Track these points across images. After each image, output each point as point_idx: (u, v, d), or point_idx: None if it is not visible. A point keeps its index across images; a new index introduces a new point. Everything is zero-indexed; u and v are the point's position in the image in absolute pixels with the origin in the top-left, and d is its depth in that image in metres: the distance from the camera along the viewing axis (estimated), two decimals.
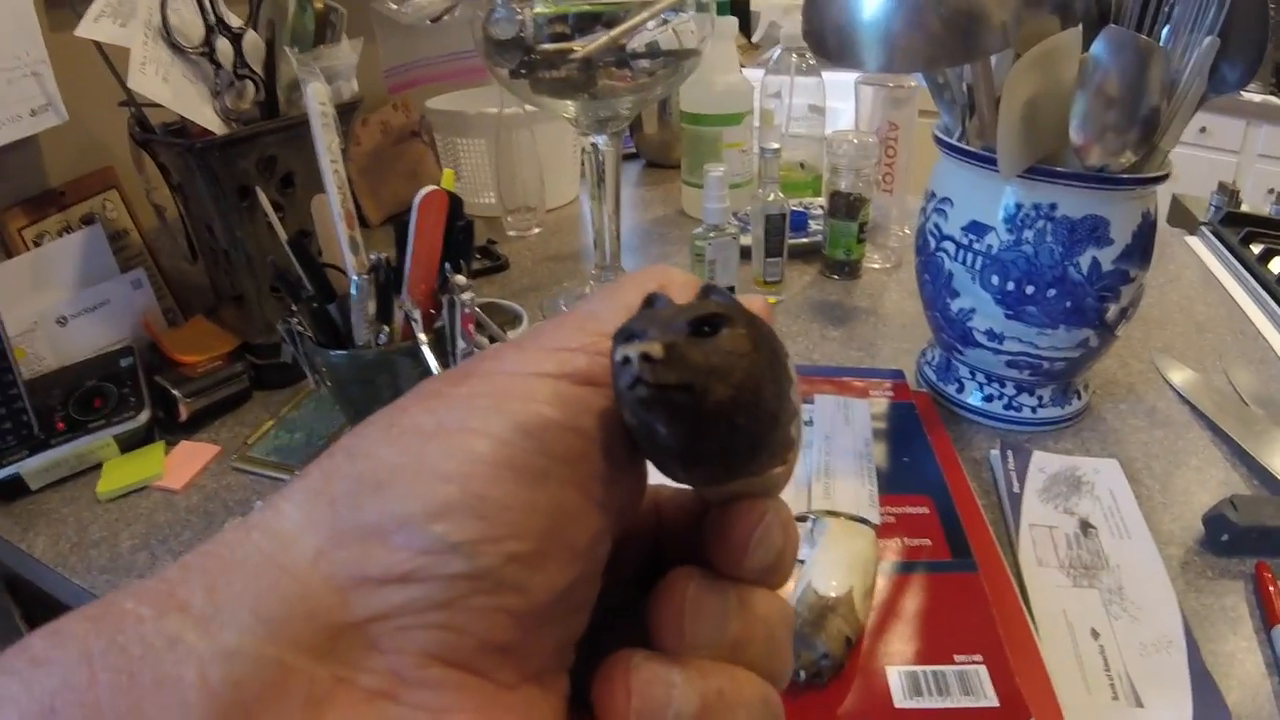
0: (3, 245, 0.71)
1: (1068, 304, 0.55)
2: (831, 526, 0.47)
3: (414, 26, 0.93)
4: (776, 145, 0.79)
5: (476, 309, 0.54)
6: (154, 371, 0.66)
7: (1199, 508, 0.52)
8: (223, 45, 0.67)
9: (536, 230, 1.01)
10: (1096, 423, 0.62)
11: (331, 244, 0.55)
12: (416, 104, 1.09)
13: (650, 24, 0.67)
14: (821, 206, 0.91)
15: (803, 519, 0.48)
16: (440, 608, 0.15)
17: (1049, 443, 0.59)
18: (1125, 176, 0.51)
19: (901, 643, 0.40)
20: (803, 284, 0.87)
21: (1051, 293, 0.55)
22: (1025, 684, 0.38)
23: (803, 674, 0.38)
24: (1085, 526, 0.51)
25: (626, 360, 0.15)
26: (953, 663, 0.39)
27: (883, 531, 0.48)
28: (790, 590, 0.42)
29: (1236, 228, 0.93)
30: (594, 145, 0.74)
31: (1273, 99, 2.09)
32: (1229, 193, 0.99)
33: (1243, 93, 1.89)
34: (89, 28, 0.61)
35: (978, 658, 0.39)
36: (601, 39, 0.67)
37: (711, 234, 0.77)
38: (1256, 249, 0.88)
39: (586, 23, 0.67)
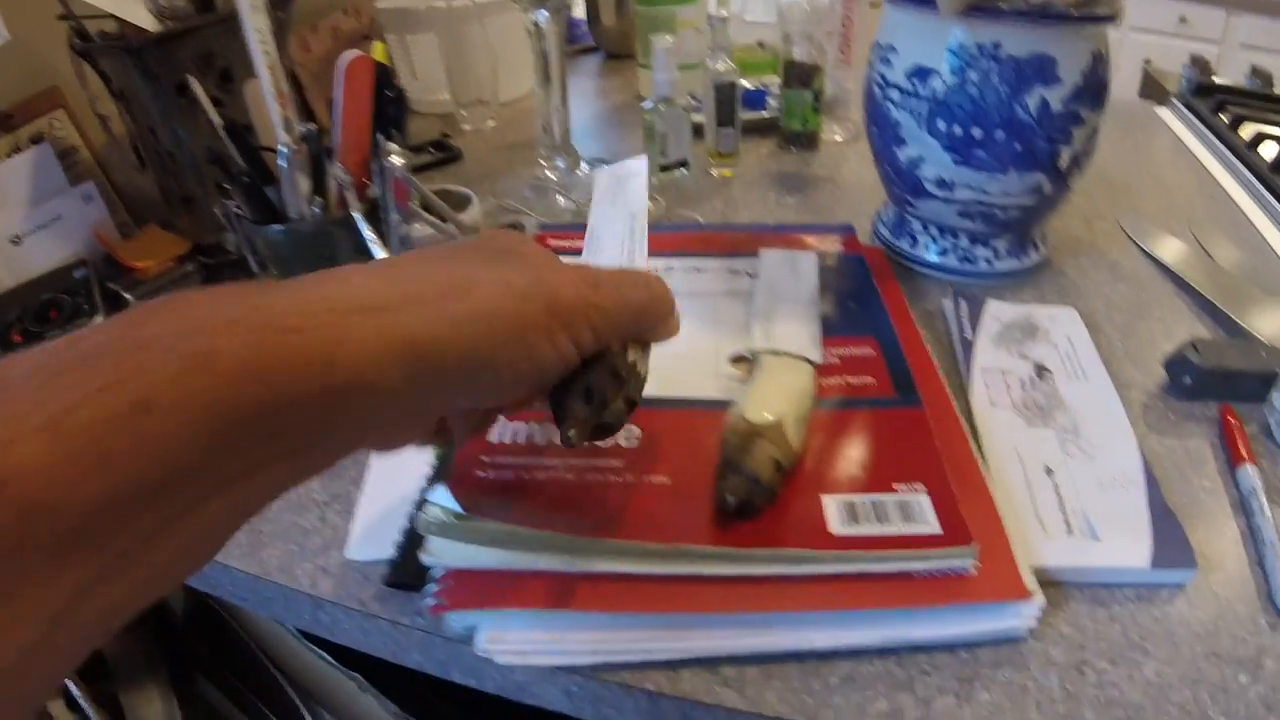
0: None
1: (1017, 146, 0.51)
2: (769, 361, 0.43)
3: None
4: (725, 13, 0.74)
5: (410, 176, 0.52)
6: (108, 281, 0.65)
7: (1161, 356, 0.49)
8: None
9: (491, 123, 0.96)
10: (1057, 276, 0.59)
11: (270, 132, 0.54)
12: (367, 7, 1.03)
13: None
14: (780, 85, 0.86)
15: (742, 359, 0.45)
16: None
17: (1006, 294, 0.56)
18: (1071, 13, 0.48)
19: (839, 473, 0.37)
20: (759, 156, 0.82)
21: (1000, 135, 0.51)
22: (970, 514, 0.35)
23: (731, 499, 0.34)
24: (1040, 370, 0.48)
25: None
26: (892, 491, 0.36)
27: (824, 371, 0.44)
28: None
29: (1209, 98, 0.89)
30: (535, 24, 0.69)
31: None
32: (1201, 64, 0.94)
33: None
34: None
35: (919, 486, 0.36)
36: None
37: (661, 105, 0.72)
38: (1227, 118, 0.84)
39: None
